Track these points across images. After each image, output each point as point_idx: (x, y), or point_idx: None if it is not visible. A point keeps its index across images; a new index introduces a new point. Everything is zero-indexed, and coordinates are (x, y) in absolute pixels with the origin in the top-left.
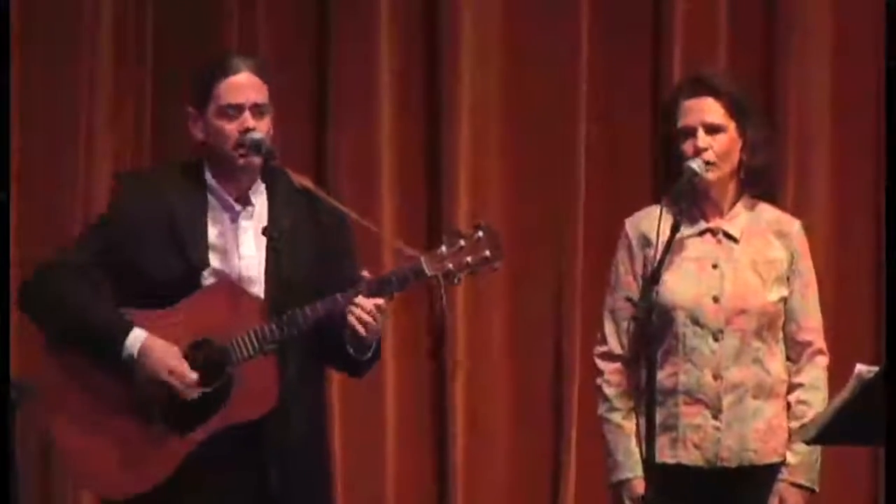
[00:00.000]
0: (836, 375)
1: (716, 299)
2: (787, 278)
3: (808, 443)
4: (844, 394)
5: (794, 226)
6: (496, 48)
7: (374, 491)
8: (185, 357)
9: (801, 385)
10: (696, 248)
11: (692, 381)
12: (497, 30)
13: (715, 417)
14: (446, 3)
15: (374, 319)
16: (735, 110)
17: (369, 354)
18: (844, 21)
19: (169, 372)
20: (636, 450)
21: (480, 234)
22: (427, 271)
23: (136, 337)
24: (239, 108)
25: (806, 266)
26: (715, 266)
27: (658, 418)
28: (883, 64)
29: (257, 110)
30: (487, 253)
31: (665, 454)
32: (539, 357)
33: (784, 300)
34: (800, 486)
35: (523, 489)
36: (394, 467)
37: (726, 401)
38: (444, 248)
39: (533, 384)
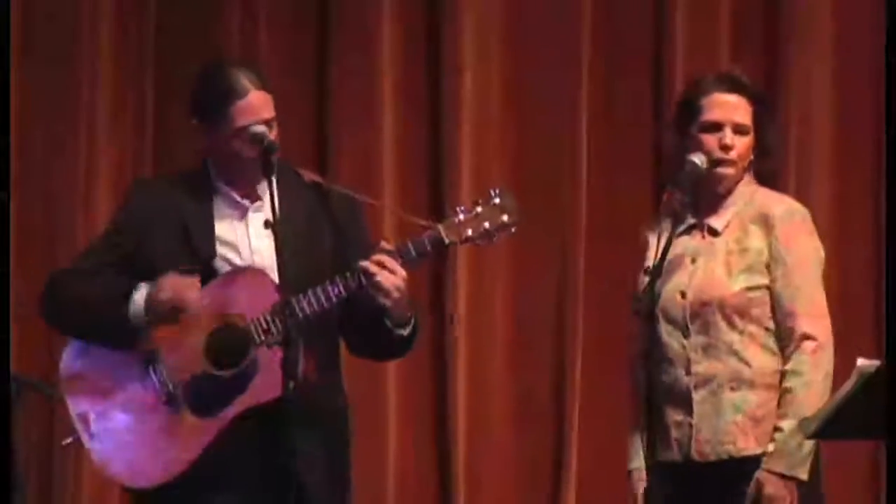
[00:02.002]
0: (838, 372)
1: (683, 294)
2: (768, 266)
3: (809, 437)
4: (845, 388)
5: (779, 209)
6: (498, 46)
7: (375, 490)
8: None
9: (785, 372)
10: (682, 244)
11: (671, 379)
12: (498, 28)
13: (688, 413)
14: (448, 2)
15: (396, 286)
16: (759, 115)
17: (408, 329)
18: (844, 21)
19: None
20: (638, 442)
21: (497, 199)
22: (445, 239)
23: (142, 288)
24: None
25: (790, 251)
26: (693, 261)
27: (653, 417)
28: (883, 64)
29: (267, 124)
30: (505, 218)
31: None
32: (541, 355)
33: (762, 288)
34: (779, 475)
35: (524, 487)
36: (395, 466)
37: (698, 395)
38: (461, 216)
39: (534, 383)
